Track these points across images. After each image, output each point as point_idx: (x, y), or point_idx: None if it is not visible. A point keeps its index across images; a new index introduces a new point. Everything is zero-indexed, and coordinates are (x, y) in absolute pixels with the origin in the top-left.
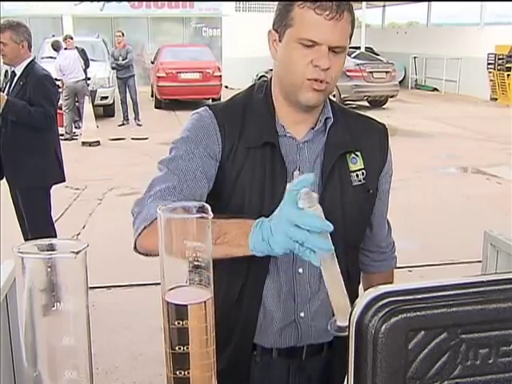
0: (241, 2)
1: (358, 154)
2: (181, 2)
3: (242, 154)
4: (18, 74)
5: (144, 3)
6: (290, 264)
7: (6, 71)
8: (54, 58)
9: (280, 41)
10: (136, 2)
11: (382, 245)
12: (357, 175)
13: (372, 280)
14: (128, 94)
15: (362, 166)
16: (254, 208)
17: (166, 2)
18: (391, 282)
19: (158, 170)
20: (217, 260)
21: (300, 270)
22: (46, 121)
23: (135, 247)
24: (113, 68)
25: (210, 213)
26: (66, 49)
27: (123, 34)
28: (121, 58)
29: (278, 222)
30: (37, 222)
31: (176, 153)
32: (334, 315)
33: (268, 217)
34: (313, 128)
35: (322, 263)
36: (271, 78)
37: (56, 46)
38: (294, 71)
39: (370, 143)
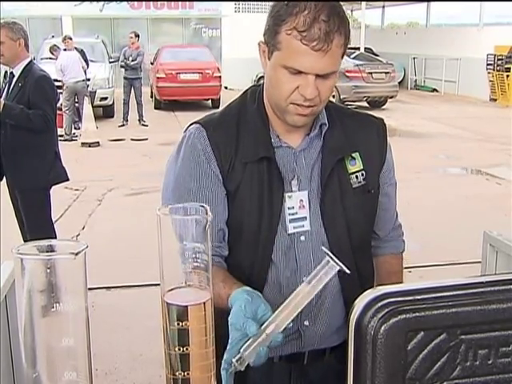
0: (240, 3)
1: (356, 155)
2: (180, 3)
3: (239, 168)
4: (17, 75)
5: (143, 4)
6: (293, 272)
7: (6, 72)
8: (54, 59)
9: (269, 58)
10: (135, 3)
11: (387, 234)
12: (356, 177)
13: (379, 263)
14: (132, 96)
15: (362, 167)
16: (252, 220)
17: (166, 3)
18: (400, 266)
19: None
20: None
21: (304, 279)
22: (45, 123)
23: None
24: (121, 67)
25: (210, 214)
26: (65, 49)
27: (136, 35)
28: (131, 59)
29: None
30: (36, 223)
31: (181, 198)
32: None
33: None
34: (308, 134)
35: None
36: (263, 84)
37: (54, 49)
38: (279, 94)
39: (367, 142)
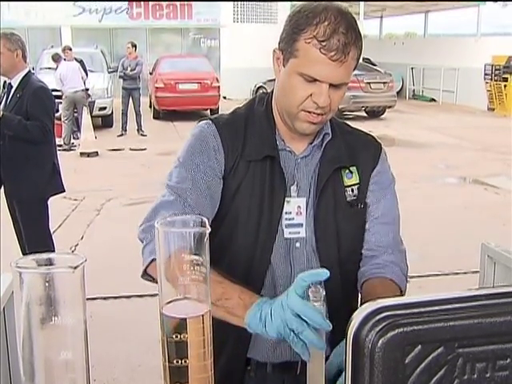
0: (239, 14)
1: (354, 169)
2: (179, 13)
3: (243, 167)
4: (15, 86)
5: (142, 14)
6: (287, 279)
7: (5, 82)
8: (53, 68)
9: (284, 65)
10: (134, 13)
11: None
12: (352, 190)
13: (365, 289)
14: (130, 106)
15: (358, 181)
16: (252, 220)
17: (165, 14)
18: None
19: (164, 194)
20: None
21: None
22: (43, 134)
23: (143, 275)
24: (120, 77)
25: (208, 226)
26: (64, 60)
27: (133, 46)
28: (129, 69)
29: (280, 306)
30: (34, 234)
31: (180, 175)
32: None
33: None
34: (311, 143)
35: (310, 359)
36: (272, 91)
37: (56, 58)
38: (292, 101)
39: (365, 159)
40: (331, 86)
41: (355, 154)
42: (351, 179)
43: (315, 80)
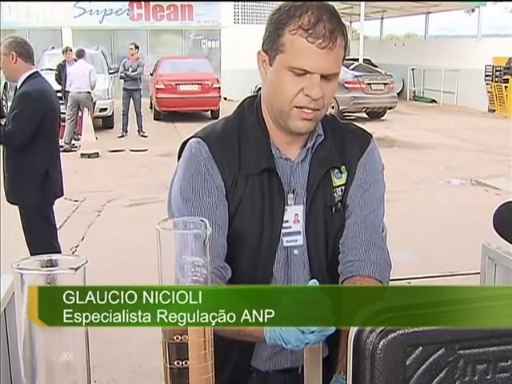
0: (240, 15)
1: (344, 168)
2: (180, 15)
3: (241, 182)
4: (18, 88)
5: (143, 15)
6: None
7: (6, 83)
8: (54, 69)
9: (270, 65)
10: (135, 14)
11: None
12: (341, 190)
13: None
14: (131, 107)
15: (345, 182)
16: (254, 233)
17: (165, 15)
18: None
19: None
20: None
21: None
22: (22, 141)
23: None
24: (121, 78)
25: (209, 228)
26: (64, 61)
27: (136, 47)
28: (130, 70)
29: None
30: (33, 238)
31: (186, 211)
32: None
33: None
34: (304, 146)
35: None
36: (260, 96)
37: (79, 54)
38: (283, 98)
39: (352, 152)
40: (322, 77)
41: (344, 151)
42: (340, 179)
43: (305, 73)
